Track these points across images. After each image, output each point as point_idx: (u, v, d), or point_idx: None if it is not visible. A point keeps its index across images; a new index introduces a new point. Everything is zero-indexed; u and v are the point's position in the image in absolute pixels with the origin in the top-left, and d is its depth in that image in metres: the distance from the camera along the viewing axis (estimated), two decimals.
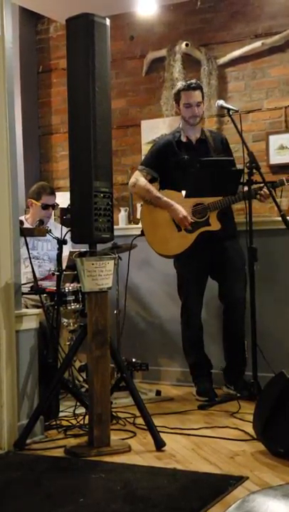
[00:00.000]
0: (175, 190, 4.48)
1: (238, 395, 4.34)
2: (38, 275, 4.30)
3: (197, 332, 4.61)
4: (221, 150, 4.57)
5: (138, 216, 5.50)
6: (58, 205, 4.88)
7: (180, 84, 4.62)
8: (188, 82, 4.58)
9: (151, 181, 4.60)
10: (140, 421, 3.65)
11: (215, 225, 4.42)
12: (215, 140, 4.61)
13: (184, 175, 4.40)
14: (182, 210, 4.42)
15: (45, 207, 4.81)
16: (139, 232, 4.69)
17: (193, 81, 4.59)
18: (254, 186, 4.20)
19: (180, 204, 4.44)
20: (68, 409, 4.08)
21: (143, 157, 4.94)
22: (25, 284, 4.09)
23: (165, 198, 4.47)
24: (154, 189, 4.55)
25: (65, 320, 4.49)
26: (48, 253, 4.84)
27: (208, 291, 4.67)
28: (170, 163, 4.49)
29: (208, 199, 4.39)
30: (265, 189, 4.23)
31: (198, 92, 4.51)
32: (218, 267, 4.54)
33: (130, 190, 4.74)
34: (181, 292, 4.66)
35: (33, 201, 4.82)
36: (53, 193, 4.90)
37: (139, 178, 4.60)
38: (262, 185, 4.21)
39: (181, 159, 4.49)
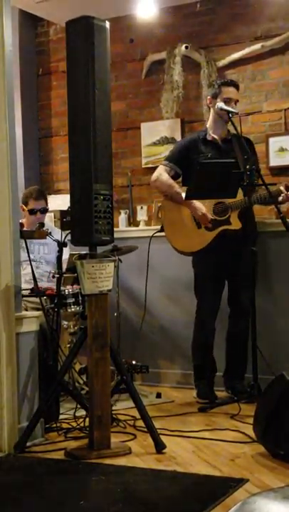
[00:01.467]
0: None
1: (235, 398, 4.32)
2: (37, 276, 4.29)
3: (208, 335, 4.55)
4: (248, 151, 4.55)
5: (138, 219, 5.51)
6: (47, 209, 4.86)
7: (221, 80, 4.64)
8: (231, 79, 4.67)
9: (174, 177, 4.58)
10: (140, 423, 3.65)
11: (236, 224, 4.40)
12: (240, 141, 4.60)
13: None
14: (202, 208, 4.40)
15: (31, 212, 4.79)
16: (142, 234, 4.69)
17: (234, 80, 4.67)
18: (272, 188, 4.20)
19: (202, 202, 4.43)
20: (68, 411, 4.08)
21: (168, 152, 4.90)
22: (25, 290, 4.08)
23: None
24: (175, 185, 4.53)
25: (65, 322, 4.49)
26: (45, 257, 4.83)
27: None
28: (193, 160, 4.46)
29: (228, 198, 4.36)
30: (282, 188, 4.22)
31: (237, 90, 4.55)
32: (231, 270, 4.52)
33: (152, 185, 4.72)
34: (197, 292, 4.63)
35: (23, 206, 4.81)
36: (40, 197, 4.83)
37: (162, 173, 4.59)
38: (282, 187, 4.22)
39: (204, 157, 4.48)
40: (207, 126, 4.63)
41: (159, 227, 4.86)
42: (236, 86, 4.55)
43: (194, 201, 4.40)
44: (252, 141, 4.72)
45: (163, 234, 4.63)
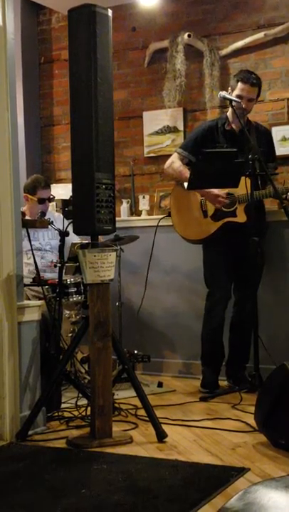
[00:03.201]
0: None
1: (237, 387, 4.33)
2: (40, 266, 4.29)
3: (218, 322, 4.54)
4: (264, 144, 4.52)
5: (140, 208, 5.50)
6: (53, 197, 4.87)
7: (241, 74, 4.49)
8: (250, 75, 4.47)
9: (188, 165, 4.56)
10: (142, 412, 3.66)
11: (241, 217, 4.40)
12: (260, 133, 4.57)
13: None
14: (214, 190, 4.39)
15: (41, 201, 4.79)
16: (144, 224, 4.69)
17: (254, 76, 4.48)
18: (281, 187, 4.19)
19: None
20: (70, 400, 4.09)
21: (185, 139, 4.87)
22: (28, 277, 4.09)
23: None
24: (186, 171, 4.49)
25: (67, 312, 4.49)
26: (50, 242, 4.83)
27: None
28: (209, 148, 4.43)
29: (238, 190, 4.33)
30: None
31: (254, 89, 4.43)
32: (238, 259, 4.51)
33: (164, 171, 4.77)
34: (207, 280, 4.61)
35: (29, 196, 4.79)
36: (47, 185, 4.85)
37: (175, 160, 4.60)
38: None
39: (220, 146, 4.45)
40: (227, 114, 4.59)
41: (160, 216, 4.86)
42: (254, 84, 4.41)
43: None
44: (270, 132, 4.68)
45: (167, 223, 4.64)
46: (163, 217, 4.73)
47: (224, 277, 4.55)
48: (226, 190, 4.41)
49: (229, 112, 4.57)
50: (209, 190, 4.40)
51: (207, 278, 4.62)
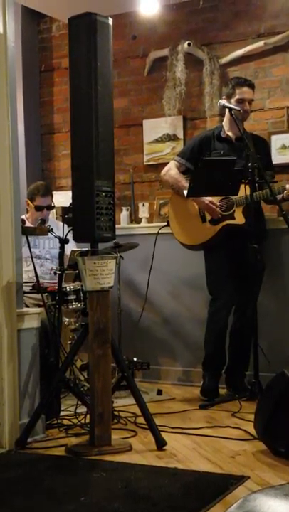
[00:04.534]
0: None
1: (236, 395, 4.32)
2: (39, 274, 4.29)
3: (221, 326, 4.53)
4: (262, 151, 4.52)
5: (140, 216, 5.51)
6: (53, 206, 4.87)
7: (235, 80, 4.59)
8: (244, 78, 4.62)
9: (185, 172, 4.62)
10: (141, 420, 3.65)
11: (239, 220, 4.41)
12: (257, 140, 4.60)
13: None
14: (208, 198, 4.43)
15: (38, 208, 4.79)
16: (144, 231, 4.70)
17: (249, 79, 4.64)
18: (276, 186, 4.20)
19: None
20: (69, 408, 4.08)
21: (182, 148, 4.95)
22: (27, 282, 4.09)
23: None
24: (182, 179, 4.57)
25: (67, 319, 4.49)
26: (50, 251, 4.84)
27: None
28: (206, 156, 4.46)
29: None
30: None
31: (252, 89, 4.53)
32: (239, 265, 4.51)
33: (161, 178, 4.83)
34: (211, 285, 4.61)
35: (29, 202, 4.82)
36: (47, 193, 4.85)
37: (172, 168, 4.66)
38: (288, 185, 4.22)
39: (217, 154, 4.49)
40: (223, 123, 4.64)
41: (161, 224, 4.87)
42: (251, 85, 4.53)
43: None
44: (267, 141, 4.72)
45: (167, 231, 4.66)
46: (162, 227, 4.73)
47: (227, 282, 4.54)
48: (221, 197, 4.43)
49: (225, 121, 4.62)
50: (203, 199, 4.43)
51: (210, 284, 4.61)
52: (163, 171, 4.72)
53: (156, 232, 4.75)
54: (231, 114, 4.30)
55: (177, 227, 4.67)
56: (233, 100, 4.47)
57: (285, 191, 4.23)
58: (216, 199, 4.46)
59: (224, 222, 4.45)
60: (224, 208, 4.45)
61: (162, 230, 4.76)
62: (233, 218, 4.43)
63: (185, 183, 4.53)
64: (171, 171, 4.65)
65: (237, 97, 4.46)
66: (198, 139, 4.68)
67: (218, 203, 4.46)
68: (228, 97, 4.51)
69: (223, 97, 4.60)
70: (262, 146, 4.63)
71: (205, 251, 4.64)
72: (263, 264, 4.40)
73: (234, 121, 4.37)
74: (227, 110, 4.52)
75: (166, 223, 4.74)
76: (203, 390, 4.54)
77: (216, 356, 4.59)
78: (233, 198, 4.41)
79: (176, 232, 4.67)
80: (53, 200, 4.92)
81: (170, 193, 4.83)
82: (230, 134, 4.57)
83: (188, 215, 4.59)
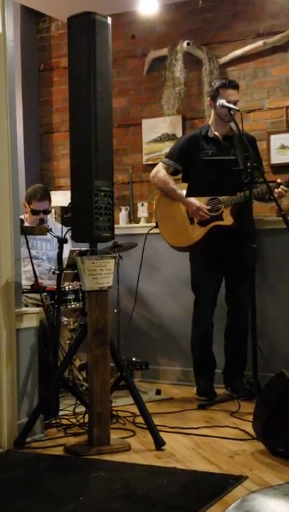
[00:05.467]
0: None
1: (235, 395, 4.33)
2: (37, 274, 4.28)
3: (206, 329, 4.55)
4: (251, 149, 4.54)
5: (138, 216, 5.51)
6: (49, 211, 4.85)
7: (218, 82, 4.55)
8: (228, 79, 4.59)
9: (174, 174, 4.62)
10: (140, 420, 3.65)
11: (227, 220, 4.41)
12: (241, 138, 4.59)
13: None
14: (196, 202, 4.43)
15: (34, 212, 4.78)
16: (143, 231, 4.70)
17: (232, 79, 4.62)
18: (270, 185, 4.20)
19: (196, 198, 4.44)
20: (68, 407, 4.08)
21: (169, 149, 4.91)
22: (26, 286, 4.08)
23: (180, 191, 4.47)
24: (171, 181, 4.56)
25: (66, 319, 4.49)
26: (48, 253, 4.83)
27: None
28: (194, 156, 4.45)
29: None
30: (281, 188, 4.21)
31: (236, 91, 4.50)
32: (228, 266, 4.52)
33: (150, 180, 4.81)
34: (194, 287, 4.62)
35: (26, 204, 4.80)
36: (44, 198, 4.81)
37: (160, 170, 4.63)
38: (277, 184, 4.22)
39: (205, 154, 4.49)
40: (209, 123, 4.63)
41: (150, 225, 4.86)
42: (235, 86, 4.49)
43: (189, 197, 4.42)
44: (255, 139, 4.71)
45: (158, 231, 4.65)
46: (151, 228, 4.71)
47: (210, 286, 4.55)
48: (209, 198, 4.43)
49: (211, 121, 4.61)
50: (193, 203, 4.43)
51: (194, 286, 4.63)
52: (152, 173, 4.68)
53: (146, 233, 4.73)
54: (231, 115, 4.29)
55: (165, 228, 4.63)
56: (220, 102, 4.44)
57: (279, 189, 4.22)
58: (203, 200, 4.46)
59: (212, 224, 4.45)
60: (212, 208, 4.45)
61: (154, 230, 4.74)
62: (221, 219, 4.43)
63: (173, 184, 4.53)
64: (160, 173, 4.61)
65: (224, 99, 4.43)
66: (185, 140, 4.65)
67: (205, 204, 4.45)
68: (213, 99, 4.49)
69: (208, 98, 4.60)
70: (250, 143, 4.61)
71: (190, 253, 4.63)
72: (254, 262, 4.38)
73: (220, 121, 4.45)
74: (212, 112, 4.56)
75: (154, 225, 4.71)
76: (199, 394, 4.54)
77: (205, 360, 4.59)
78: (220, 198, 4.41)
79: (165, 233, 4.63)
80: (51, 202, 4.89)
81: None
82: (217, 133, 4.56)
83: (177, 217, 4.56)
